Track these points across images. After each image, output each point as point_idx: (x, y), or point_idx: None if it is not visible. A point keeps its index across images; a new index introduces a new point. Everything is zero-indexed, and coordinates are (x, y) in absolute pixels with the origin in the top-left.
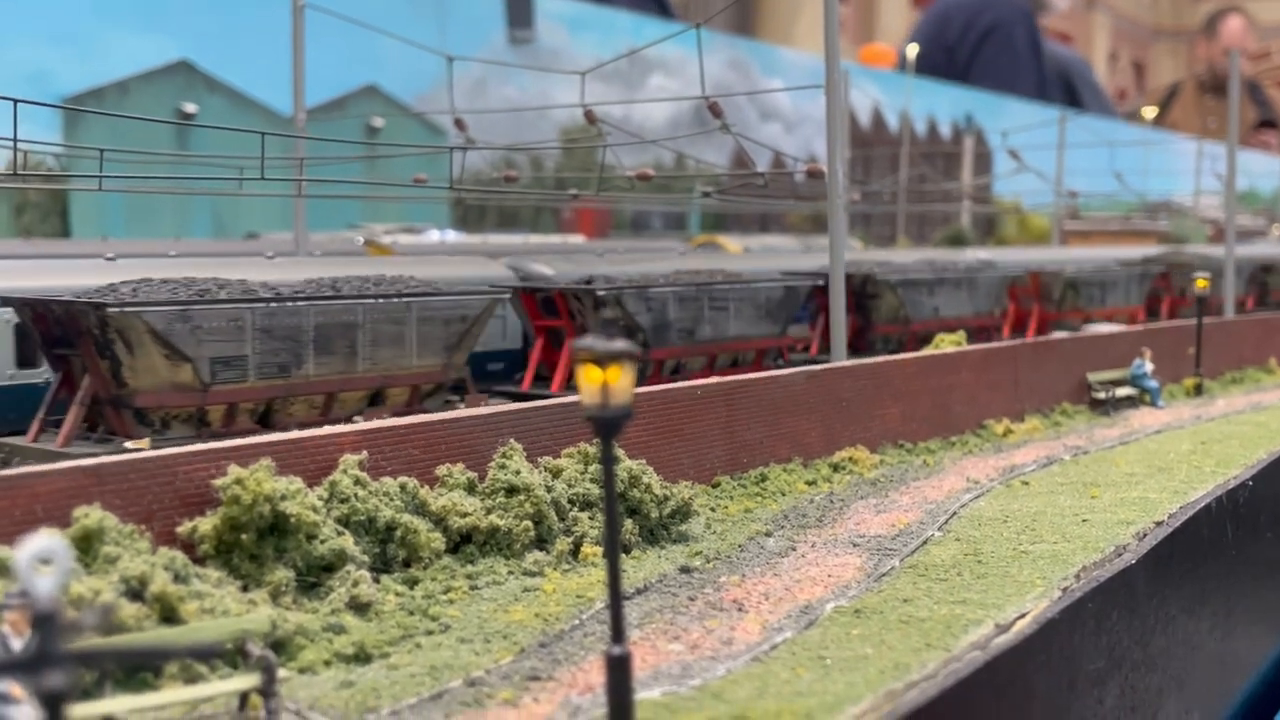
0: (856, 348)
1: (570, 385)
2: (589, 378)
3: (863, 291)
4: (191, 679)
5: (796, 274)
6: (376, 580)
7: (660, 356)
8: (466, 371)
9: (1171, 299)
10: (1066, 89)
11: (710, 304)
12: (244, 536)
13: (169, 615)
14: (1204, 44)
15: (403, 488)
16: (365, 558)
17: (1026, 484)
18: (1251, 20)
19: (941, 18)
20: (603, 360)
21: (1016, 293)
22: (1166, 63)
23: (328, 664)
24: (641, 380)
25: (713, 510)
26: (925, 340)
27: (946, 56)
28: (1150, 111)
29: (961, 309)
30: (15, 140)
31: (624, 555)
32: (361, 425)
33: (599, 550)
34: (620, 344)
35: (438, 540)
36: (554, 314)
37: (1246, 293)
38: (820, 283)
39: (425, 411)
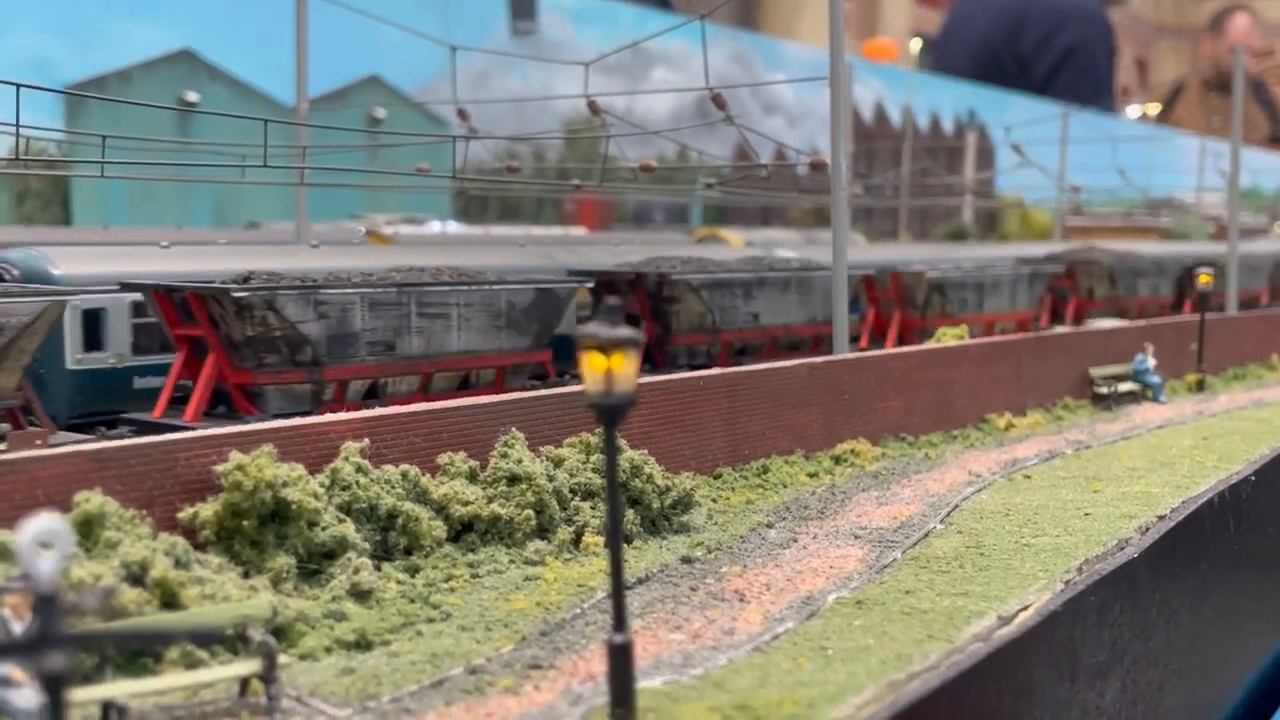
0: (655, 362)
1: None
2: (593, 365)
3: (658, 295)
4: (192, 664)
5: (573, 273)
6: (378, 568)
7: (340, 376)
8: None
9: (1079, 301)
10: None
11: (420, 310)
12: (245, 523)
13: (170, 601)
14: (1209, 42)
15: (404, 476)
16: (366, 545)
17: (1028, 478)
18: (1258, 18)
19: (1014, 20)
20: (607, 348)
21: (876, 296)
22: (1170, 60)
23: (329, 651)
24: (318, 407)
25: (714, 501)
26: (743, 352)
27: (1019, 66)
28: (1154, 108)
29: (791, 316)
30: (18, 125)
31: (625, 545)
32: (363, 413)
33: (600, 540)
34: (626, 332)
35: (439, 528)
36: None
37: (1178, 293)
38: (588, 283)
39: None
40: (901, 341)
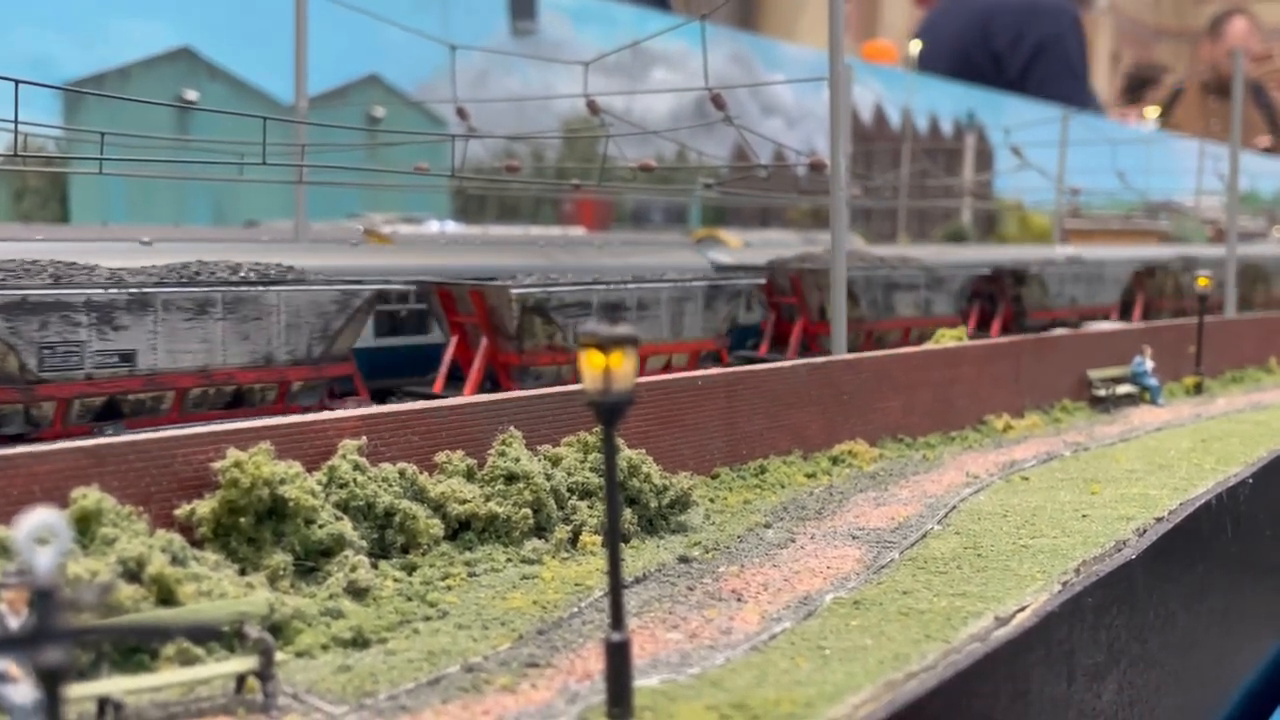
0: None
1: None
2: (591, 363)
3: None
4: (189, 661)
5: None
6: (375, 566)
7: (56, 394)
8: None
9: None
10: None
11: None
12: (242, 520)
13: (166, 597)
14: (1208, 45)
15: (402, 474)
16: (364, 543)
17: (1026, 479)
18: (1256, 22)
19: (984, 20)
20: (605, 346)
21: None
22: (1170, 63)
23: (325, 648)
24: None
25: (712, 501)
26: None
27: (994, 63)
28: (1153, 112)
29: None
30: (16, 121)
31: (623, 544)
32: (361, 410)
33: (598, 539)
34: (623, 330)
35: (436, 527)
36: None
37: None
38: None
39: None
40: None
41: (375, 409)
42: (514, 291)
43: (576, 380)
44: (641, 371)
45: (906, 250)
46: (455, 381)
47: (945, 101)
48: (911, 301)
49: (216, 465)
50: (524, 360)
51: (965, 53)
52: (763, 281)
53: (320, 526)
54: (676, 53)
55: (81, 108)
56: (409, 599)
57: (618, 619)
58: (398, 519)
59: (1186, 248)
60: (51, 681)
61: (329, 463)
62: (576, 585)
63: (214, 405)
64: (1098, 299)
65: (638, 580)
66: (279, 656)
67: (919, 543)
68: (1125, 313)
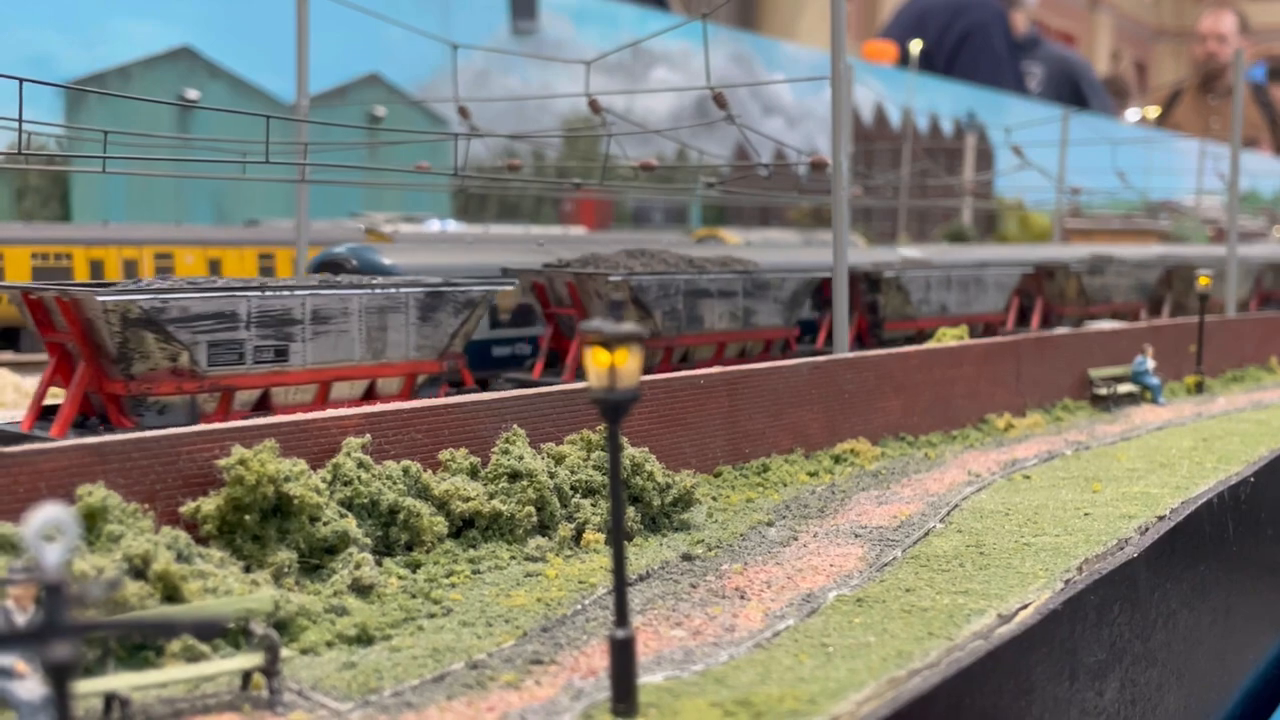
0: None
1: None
2: (596, 360)
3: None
4: (194, 657)
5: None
6: (379, 563)
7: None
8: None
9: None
10: (1073, 90)
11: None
12: (247, 517)
13: (171, 594)
14: (1198, 45)
15: (406, 471)
16: (368, 540)
17: (1028, 478)
18: (1241, 18)
19: (917, 18)
20: (610, 343)
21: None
22: (1169, 63)
23: (330, 645)
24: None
25: (714, 499)
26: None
27: (923, 58)
28: (1153, 112)
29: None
30: (20, 120)
31: (626, 542)
32: (365, 408)
33: (601, 537)
34: (629, 327)
35: (440, 524)
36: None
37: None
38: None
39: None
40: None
41: (379, 407)
42: (104, 299)
43: (225, 414)
44: (321, 404)
45: (735, 250)
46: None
47: (946, 101)
48: (726, 312)
49: (221, 462)
50: (133, 390)
51: (903, 50)
52: (511, 286)
53: (325, 524)
54: (677, 52)
55: (83, 107)
56: (413, 596)
57: (622, 616)
58: (402, 516)
59: (1103, 247)
60: (59, 677)
61: (333, 460)
62: (580, 583)
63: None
64: (977, 306)
65: (641, 578)
66: (284, 653)
67: (921, 541)
68: (1025, 319)
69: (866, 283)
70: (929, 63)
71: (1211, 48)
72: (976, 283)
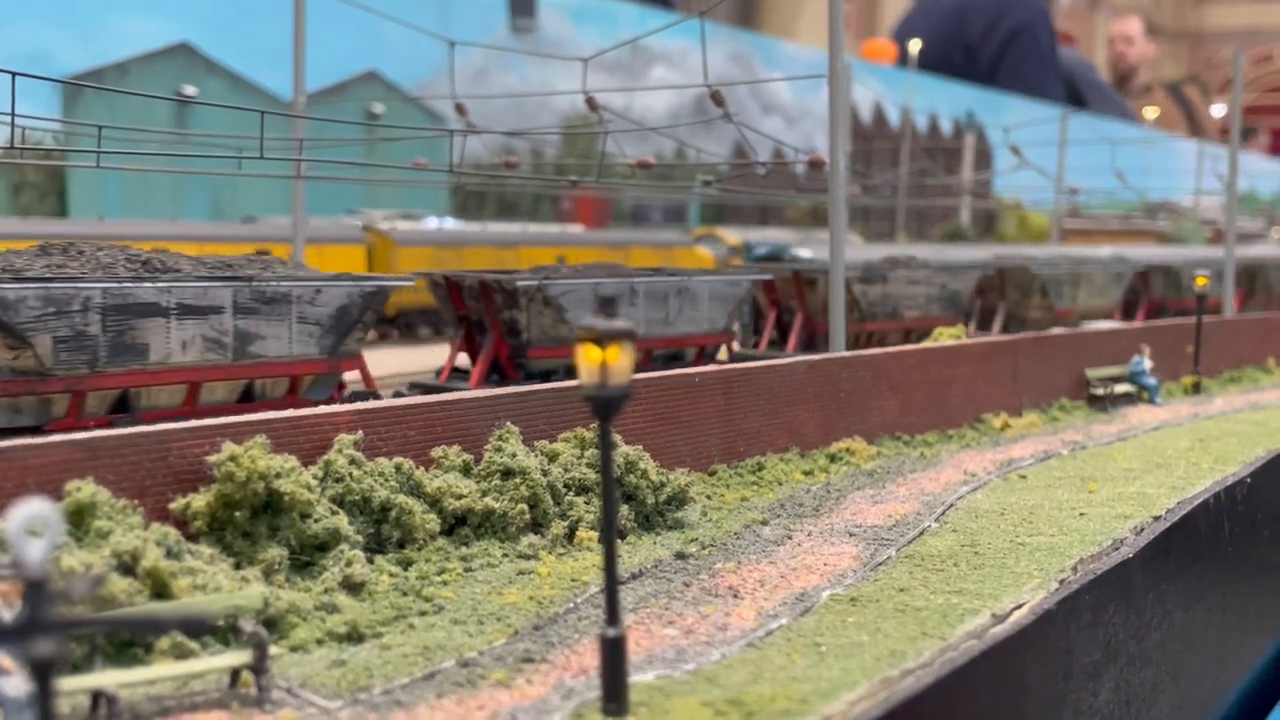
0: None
1: None
2: (588, 358)
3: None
4: (182, 654)
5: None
6: (370, 560)
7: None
8: (962, 319)
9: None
10: (1070, 92)
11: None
12: (237, 514)
13: (161, 591)
14: (1108, 48)
15: (398, 468)
16: (359, 538)
17: (1024, 478)
18: (1147, 21)
19: (958, 15)
20: (602, 340)
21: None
22: (1167, 64)
23: (320, 643)
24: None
25: (709, 498)
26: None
27: (966, 56)
28: (1152, 112)
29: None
30: (13, 114)
31: (619, 540)
32: (358, 405)
33: (594, 535)
34: (621, 324)
35: (432, 522)
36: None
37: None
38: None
39: None
40: None
41: (371, 404)
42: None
43: None
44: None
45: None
46: None
47: (944, 101)
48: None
49: (212, 459)
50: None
51: (943, 47)
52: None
53: (316, 521)
54: (676, 51)
55: (80, 102)
56: (404, 594)
57: (613, 614)
58: (394, 514)
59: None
60: (43, 673)
61: (325, 457)
62: (573, 581)
63: None
64: (682, 326)
65: (634, 576)
66: (273, 651)
67: (916, 540)
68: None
69: (501, 295)
70: (972, 61)
71: (1119, 49)
72: (681, 294)
